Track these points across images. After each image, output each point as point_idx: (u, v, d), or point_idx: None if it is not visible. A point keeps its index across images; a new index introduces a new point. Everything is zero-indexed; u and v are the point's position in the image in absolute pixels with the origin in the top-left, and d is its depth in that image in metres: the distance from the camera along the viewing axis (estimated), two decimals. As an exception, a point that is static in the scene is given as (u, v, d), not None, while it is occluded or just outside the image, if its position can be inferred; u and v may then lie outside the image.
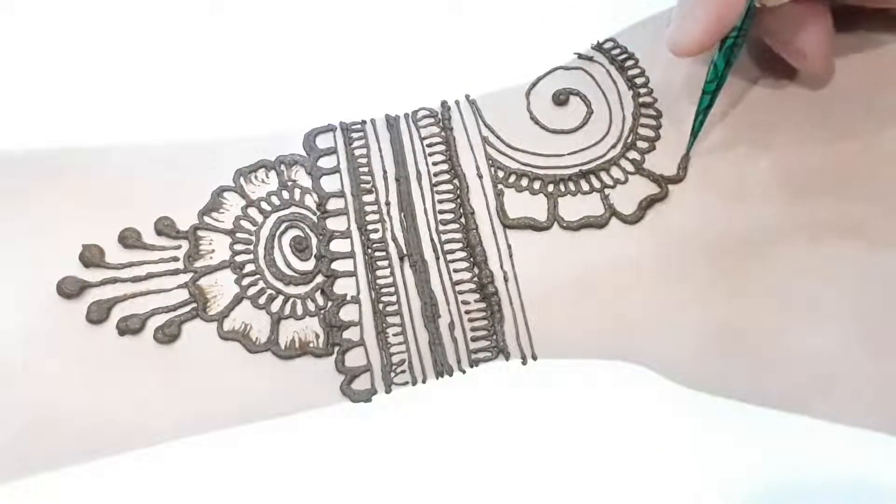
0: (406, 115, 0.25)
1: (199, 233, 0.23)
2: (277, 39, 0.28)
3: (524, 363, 0.24)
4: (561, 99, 0.25)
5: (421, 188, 0.24)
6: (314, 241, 0.24)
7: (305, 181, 0.24)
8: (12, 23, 0.28)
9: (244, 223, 0.24)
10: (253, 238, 0.24)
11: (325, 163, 0.25)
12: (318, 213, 0.24)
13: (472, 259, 0.24)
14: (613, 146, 0.24)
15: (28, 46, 0.27)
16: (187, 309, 0.23)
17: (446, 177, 0.24)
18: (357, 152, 0.25)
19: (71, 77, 0.27)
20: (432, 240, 0.24)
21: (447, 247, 0.24)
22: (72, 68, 0.27)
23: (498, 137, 0.25)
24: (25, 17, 0.28)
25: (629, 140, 0.24)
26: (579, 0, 0.28)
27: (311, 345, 0.23)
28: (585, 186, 0.24)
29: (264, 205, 0.24)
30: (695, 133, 0.24)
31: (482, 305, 0.23)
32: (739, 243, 0.23)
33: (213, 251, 0.23)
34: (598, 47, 0.26)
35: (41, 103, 0.27)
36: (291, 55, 0.27)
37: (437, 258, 0.24)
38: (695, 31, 0.21)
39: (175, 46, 0.27)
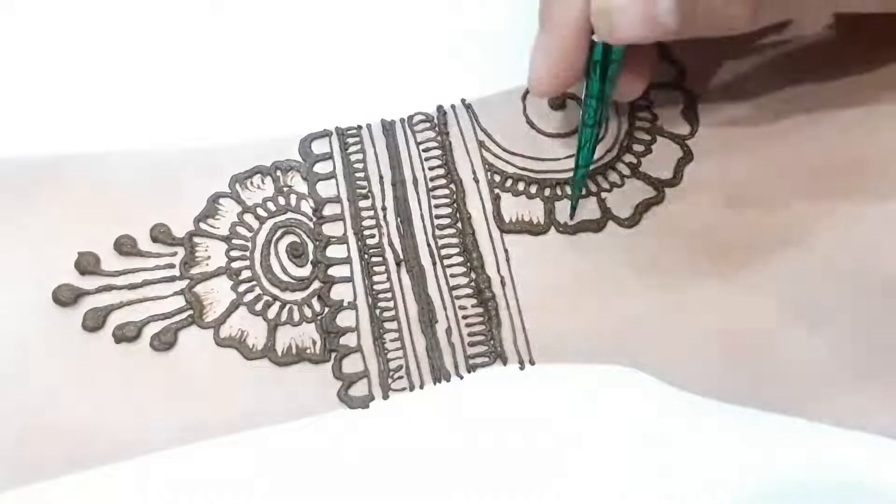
0: (402, 120, 0.25)
1: (195, 239, 0.23)
2: (272, 44, 0.28)
3: (522, 368, 0.24)
4: (557, 103, 0.25)
5: (417, 193, 0.24)
6: (310, 246, 0.24)
7: (301, 187, 0.24)
8: (11, 24, 0.28)
9: (240, 229, 0.24)
10: (249, 244, 0.24)
11: (321, 168, 0.25)
12: (315, 219, 0.24)
13: (468, 264, 0.24)
14: (609, 149, 0.24)
15: (24, 50, 0.27)
16: (183, 316, 0.23)
17: (443, 181, 0.24)
18: (353, 157, 0.25)
19: (66, 82, 0.27)
20: (429, 245, 0.24)
21: (444, 252, 0.24)
22: (66, 73, 0.27)
23: (494, 142, 0.25)
24: (24, 19, 0.28)
25: (625, 144, 0.24)
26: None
27: (308, 351, 0.23)
28: (582, 190, 0.24)
29: (260, 211, 0.24)
30: (582, 170, 0.23)
31: (479, 310, 0.23)
32: (736, 246, 0.23)
33: (209, 258, 0.23)
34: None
35: (35, 108, 0.27)
36: (286, 60, 0.27)
37: (434, 263, 0.24)
38: (543, 72, 0.21)
39: (167, 53, 0.27)
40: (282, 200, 0.24)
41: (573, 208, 0.23)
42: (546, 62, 0.21)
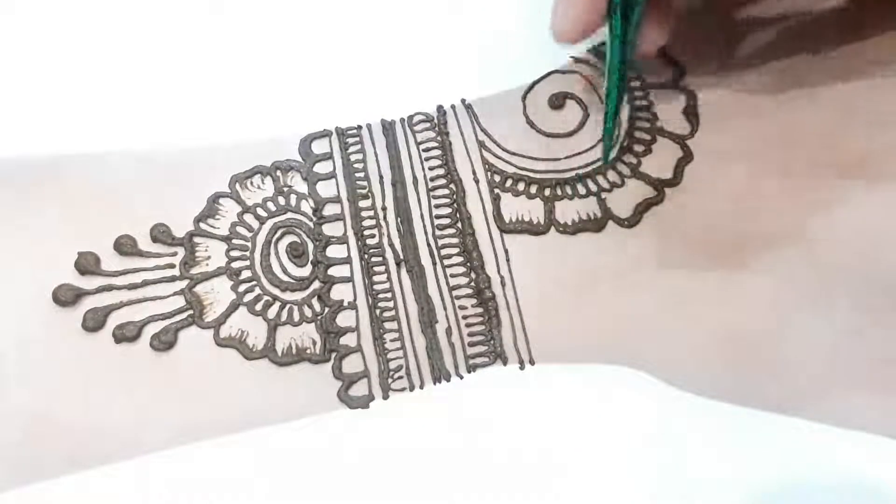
0: (402, 120, 0.25)
1: (196, 239, 0.23)
2: (272, 44, 0.28)
3: (522, 368, 0.24)
4: (557, 103, 0.25)
5: (417, 193, 0.24)
6: (310, 246, 0.24)
7: (301, 187, 0.24)
8: (11, 24, 0.28)
9: (240, 229, 0.24)
10: (249, 244, 0.24)
11: (321, 168, 0.25)
12: (315, 219, 0.24)
13: (468, 264, 0.24)
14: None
15: (24, 50, 0.27)
16: (184, 316, 0.23)
17: (443, 181, 0.24)
18: (353, 157, 0.25)
19: (66, 82, 0.27)
20: (429, 245, 0.24)
21: (444, 252, 0.24)
22: (66, 73, 0.27)
23: (494, 142, 0.25)
24: (24, 19, 0.28)
25: (625, 143, 0.24)
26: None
27: (308, 351, 0.23)
28: (582, 190, 0.24)
29: (260, 211, 0.24)
30: (611, 116, 0.23)
31: (479, 310, 0.23)
32: (736, 246, 0.23)
33: (209, 258, 0.23)
34: (594, 50, 0.26)
35: (35, 108, 0.27)
36: (286, 60, 0.27)
37: (434, 263, 0.24)
38: (566, 16, 0.21)
39: (167, 53, 0.27)
40: (282, 200, 0.24)
41: (606, 155, 0.24)
42: (568, 6, 0.21)
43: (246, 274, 0.23)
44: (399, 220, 0.24)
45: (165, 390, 0.22)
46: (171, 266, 0.23)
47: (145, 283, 0.23)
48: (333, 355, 0.23)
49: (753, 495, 0.23)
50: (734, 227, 0.23)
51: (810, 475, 0.23)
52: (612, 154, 0.24)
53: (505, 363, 0.24)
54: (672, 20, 0.22)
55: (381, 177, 0.24)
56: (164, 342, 0.22)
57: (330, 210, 0.24)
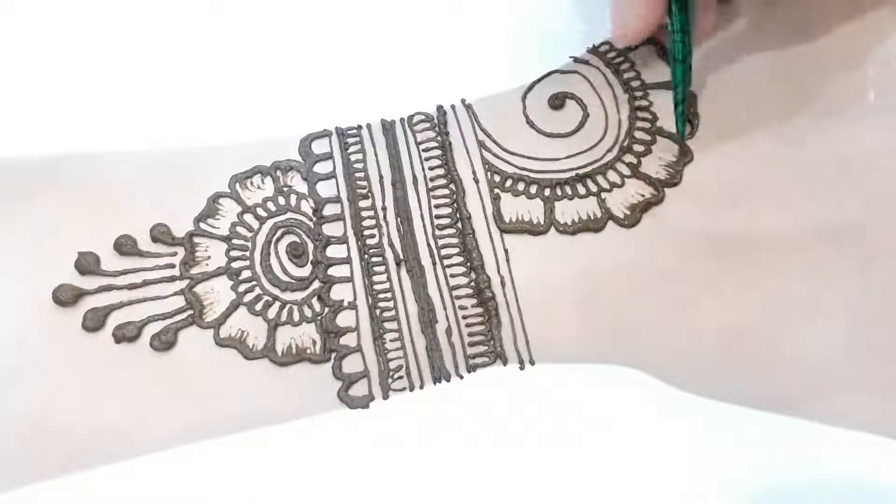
0: (402, 120, 0.25)
1: (195, 239, 0.23)
2: (272, 44, 0.28)
3: (522, 368, 0.24)
4: (557, 103, 0.25)
5: (417, 193, 0.24)
6: (310, 246, 0.24)
7: (301, 187, 0.24)
8: (11, 24, 0.28)
9: (240, 229, 0.24)
10: (249, 244, 0.24)
11: (321, 168, 0.24)
12: (315, 219, 0.24)
13: (468, 264, 0.24)
14: (610, 150, 0.24)
15: (24, 50, 0.27)
16: (183, 316, 0.23)
17: (442, 181, 0.24)
18: (353, 157, 0.25)
19: (65, 82, 0.27)
20: (429, 245, 0.24)
21: (444, 252, 0.24)
22: (66, 73, 0.27)
23: (494, 142, 0.25)
24: (24, 19, 0.28)
25: (625, 143, 0.24)
26: (575, 3, 0.28)
27: (308, 351, 0.23)
28: (582, 190, 0.24)
29: (260, 211, 0.24)
30: (681, 106, 0.23)
31: (479, 310, 0.23)
32: (737, 246, 0.23)
33: (209, 258, 0.23)
34: (594, 50, 0.26)
35: (35, 108, 0.27)
36: (286, 60, 0.27)
37: (434, 263, 0.24)
38: (628, 17, 0.22)
39: (167, 53, 0.27)
40: (282, 200, 0.24)
41: (681, 137, 0.24)
42: (628, 7, 0.21)
43: (246, 274, 0.23)
44: (399, 220, 0.24)
45: (165, 390, 0.22)
46: (171, 266, 0.23)
47: (145, 283, 0.23)
48: (333, 355, 0.23)
49: (753, 495, 0.23)
50: (734, 227, 0.23)
51: (810, 475, 0.24)
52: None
53: (505, 363, 0.24)
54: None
55: (381, 177, 0.24)
56: (164, 342, 0.22)
57: (330, 210, 0.24)
